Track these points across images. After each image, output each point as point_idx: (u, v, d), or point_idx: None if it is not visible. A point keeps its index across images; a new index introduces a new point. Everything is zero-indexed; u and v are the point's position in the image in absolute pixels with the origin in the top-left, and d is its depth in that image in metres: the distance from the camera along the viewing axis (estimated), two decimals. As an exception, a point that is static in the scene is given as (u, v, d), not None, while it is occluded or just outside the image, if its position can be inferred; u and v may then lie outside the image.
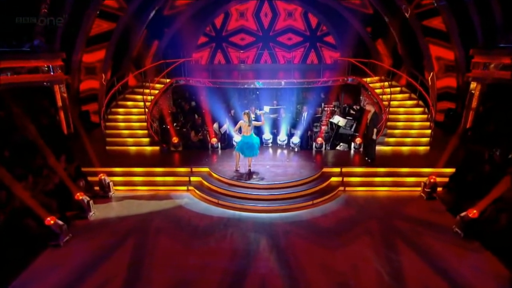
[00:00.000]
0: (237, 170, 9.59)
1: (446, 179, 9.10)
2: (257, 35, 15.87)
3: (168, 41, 14.88)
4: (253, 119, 9.37)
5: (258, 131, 10.77)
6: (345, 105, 14.10)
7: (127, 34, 13.33)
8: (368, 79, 13.36)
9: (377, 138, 10.35)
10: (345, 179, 9.63)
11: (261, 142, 11.21)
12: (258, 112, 9.27)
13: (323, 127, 11.94)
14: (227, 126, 11.98)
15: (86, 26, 12.27)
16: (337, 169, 9.82)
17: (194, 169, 9.83)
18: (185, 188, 9.57)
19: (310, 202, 8.81)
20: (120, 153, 10.94)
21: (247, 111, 9.28)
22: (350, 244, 7.35)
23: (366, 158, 10.20)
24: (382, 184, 9.60)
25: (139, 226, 8.10)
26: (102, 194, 9.43)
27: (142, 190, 9.66)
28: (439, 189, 9.12)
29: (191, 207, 8.85)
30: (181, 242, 7.51)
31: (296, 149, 11.10)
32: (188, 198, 9.21)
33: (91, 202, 8.60)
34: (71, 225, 8.05)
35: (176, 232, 7.91)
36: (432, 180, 8.85)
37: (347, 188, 9.52)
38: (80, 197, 8.42)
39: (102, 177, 9.45)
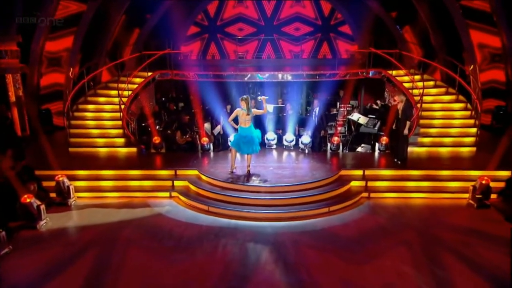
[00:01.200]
0: (232, 172, 9.26)
1: (502, 184, 8.81)
2: (258, 25, 15.73)
3: (151, 29, 14.74)
4: (253, 106, 9.03)
5: (260, 128, 10.40)
6: (368, 105, 13.84)
7: (101, 19, 13.21)
8: (394, 72, 13.18)
9: (411, 134, 10.08)
10: (370, 184, 9.28)
11: (264, 144, 11.11)
12: (259, 98, 8.90)
13: (339, 128, 11.76)
14: (221, 127, 11.79)
15: (49, 7, 12.13)
16: (359, 172, 9.50)
17: (179, 172, 9.55)
18: (167, 194, 9.18)
19: (326, 209, 8.34)
20: (87, 155, 10.72)
21: (245, 96, 8.96)
22: (380, 258, 6.78)
23: (396, 160, 9.87)
24: (418, 190, 9.21)
25: (103, 237, 7.53)
26: (60, 201, 8.87)
27: (112, 197, 9.25)
28: (493, 196, 8.69)
29: (174, 215, 8.39)
30: (158, 255, 6.94)
31: (306, 151, 10.94)
32: (171, 206, 8.79)
33: (42, 208, 7.98)
34: (13, 236, 7.48)
35: (152, 243, 7.32)
36: (484, 182, 8.35)
37: (372, 195, 9.13)
38: (28, 200, 7.80)
39: (60, 179, 8.89)
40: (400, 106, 9.68)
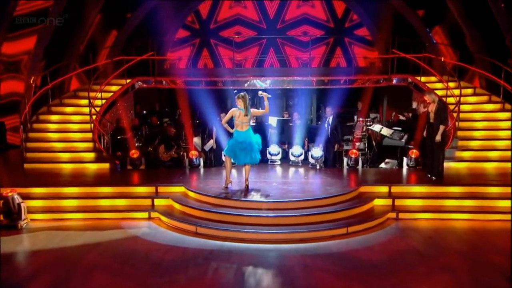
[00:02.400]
0: (227, 188, 8.96)
1: None
2: (259, 28, 15.83)
3: (132, 31, 14.81)
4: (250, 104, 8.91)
5: (261, 139, 10.32)
6: (391, 118, 13.71)
7: (71, 17, 13.26)
8: (423, 78, 13.18)
9: (448, 145, 10.03)
10: (398, 202, 8.97)
11: (265, 159, 11.03)
12: (260, 93, 8.78)
13: (357, 144, 11.80)
14: (213, 142, 11.66)
15: (9, 1, 12.14)
16: (383, 189, 9.23)
17: (161, 189, 9.32)
18: (145, 215, 8.85)
19: (344, 230, 7.97)
20: (46, 172, 10.52)
21: (242, 93, 8.76)
22: (418, 285, 6.32)
23: (429, 175, 9.65)
24: (459, 210, 8.85)
25: (59, 262, 7.06)
26: (7, 223, 8.39)
27: (75, 218, 8.87)
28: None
29: (153, 237, 7.97)
30: (130, 281, 6.44)
31: (318, 167, 10.84)
32: (149, 228, 8.41)
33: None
34: None
35: (123, 268, 6.83)
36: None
37: (401, 215, 8.78)
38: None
39: (10, 195, 8.45)
40: (432, 108, 9.42)
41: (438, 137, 9.28)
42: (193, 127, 12.67)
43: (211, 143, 11.69)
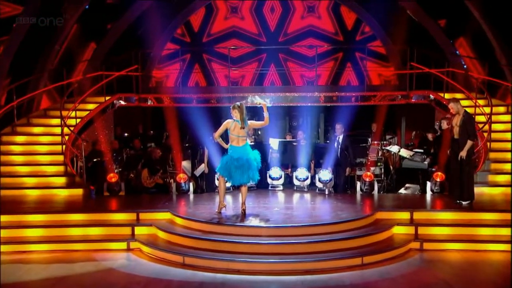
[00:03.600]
0: (220, 213, 8.80)
1: None
2: (258, 42, 15.88)
3: (113, 44, 14.89)
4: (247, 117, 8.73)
5: (262, 160, 10.25)
6: (411, 141, 13.65)
7: (43, 27, 13.34)
8: (447, 95, 13.21)
9: (479, 168, 10.15)
10: (421, 230, 8.82)
11: (265, 183, 11.03)
12: (257, 100, 8.70)
13: (371, 168, 11.66)
14: (205, 166, 11.59)
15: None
16: (404, 215, 9.11)
17: (144, 216, 9.16)
18: (123, 245, 8.68)
19: (358, 261, 7.79)
20: (8, 199, 10.30)
21: (238, 103, 8.67)
22: None
23: (458, 200, 9.49)
24: (496, 239, 8.63)
25: None
26: None
27: (40, 250, 8.68)
28: None
29: (131, 270, 7.78)
30: None
31: (327, 192, 10.78)
32: (128, 260, 8.26)
33: None
34: None
35: None
36: None
37: (426, 245, 8.62)
38: None
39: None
40: (456, 121, 9.28)
41: (463, 153, 9.10)
42: (182, 151, 12.66)
43: (202, 167, 11.59)
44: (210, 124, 13.22)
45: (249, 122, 8.68)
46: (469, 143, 9.12)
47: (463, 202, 9.37)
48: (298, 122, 14.81)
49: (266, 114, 8.68)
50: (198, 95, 13.82)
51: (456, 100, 9.65)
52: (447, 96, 13.12)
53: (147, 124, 15.51)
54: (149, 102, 13.91)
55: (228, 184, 10.83)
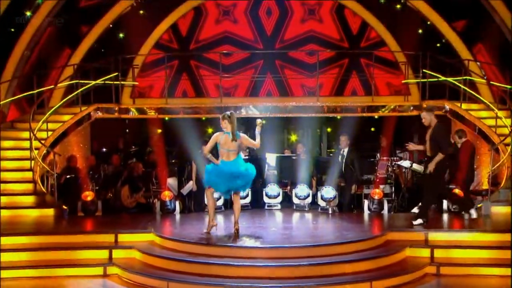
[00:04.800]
0: (209, 233, 8.78)
1: None
2: (253, 48, 15.92)
3: (88, 50, 14.96)
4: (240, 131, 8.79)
5: (257, 176, 10.49)
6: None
7: (9, 32, 13.41)
8: (464, 105, 13.28)
9: (502, 184, 10.31)
10: (438, 253, 8.79)
11: (262, 203, 11.20)
12: (259, 122, 8.94)
13: (381, 186, 11.69)
14: (193, 183, 11.62)
15: None
16: (418, 235, 9.10)
17: (123, 238, 9.15)
18: (99, 270, 8.62)
19: (367, 285, 7.72)
20: None
21: (229, 112, 8.65)
22: None
23: (463, 212, 9.84)
24: None
25: None
26: None
27: (5, 278, 8.48)
28: None
29: None
30: None
31: (330, 211, 10.84)
32: (104, 287, 8.26)
33: None
34: None
35: None
36: None
37: (444, 270, 8.56)
38: None
39: None
40: (429, 135, 9.37)
41: (431, 165, 9.14)
42: (168, 167, 12.72)
43: (190, 185, 11.64)
44: (199, 137, 13.29)
45: (242, 135, 8.63)
46: (439, 155, 9.11)
47: (414, 222, 9.40)
48: (298, 135, 14.80)
49: (258, 137, 8.78)
50: (186, 106, 13.90)
51: (430, 110, 9.68)
52: (464, 106, 13.20)
53: (128, 138, 15.52)
54: (131, 114, 13.92)
55: (219, 203, 10.95)
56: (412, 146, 9.87)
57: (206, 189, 8.90)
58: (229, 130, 8.48)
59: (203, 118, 14.63)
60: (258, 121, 8.87)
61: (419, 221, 9.35)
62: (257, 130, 8.78)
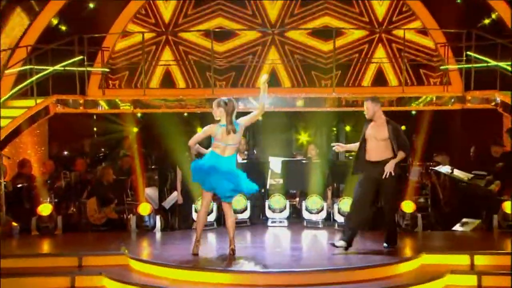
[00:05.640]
0: (197, 254, 8.84)
1: None
2: (253, 24, 16.09)
3: (46, 28, 14.91)
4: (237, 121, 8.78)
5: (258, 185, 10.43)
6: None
7: None
8: None
9: None
10: (488, 281, 8.71)
11: (265, 219, 11.48)
12: (263, 78, 9.00)
13: (413, 198, 11.74)
14: (178, 194, 11.82)
15: None
16: (462, 259, 9.12)
17: (88, 261, 9.19)
18: None
19: None
20: None
21: (225, 99, 8.70)
22: None
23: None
24: None
25: None
26: None
27: None
28: None
29: None
30: None
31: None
32: None
33: None
34: None
35: None
36: None
37: None
38: None
39: None
40: (375, 133, 9.28)
41: (390, 165, 8.97)
42: (147, 174, 12.81)
43: (174, 196, 11.76)
44: (186, 137, 13.31)
45: (240, 121, 8.69)
46: (400, 154, 9.05)
47: (385, 244, 9.50)
48: (309, 135, 14.84)
49: (262, 99, 8.77)
50: (170, 98, 13.92)
51: (375, 100, 9.53)
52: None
53: (96, 139, 15.61)
54: (100, 108, 13.89)
55: (211, 218, 10.99)
56: (339, 147, 9.81)
57: (204, 192, 8.97)
58: (224, 121, 8.54)
59: (188, 114, 14.51)
60: (264, 77, 8.87)
61: (341, 243, 9.24)
62: (262, 90, 8.79)
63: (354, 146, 9.49)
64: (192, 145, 8.77)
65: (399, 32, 15.58)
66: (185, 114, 14.55)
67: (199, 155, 8.97)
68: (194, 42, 16.10)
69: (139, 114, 14.36)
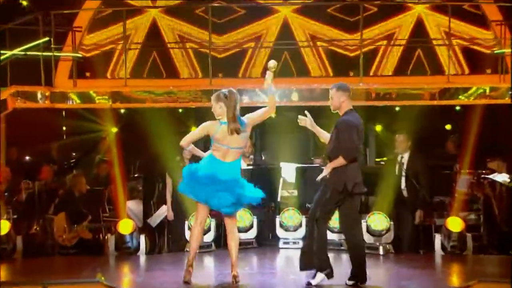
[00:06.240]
0: (188, 283, 8.76)
1: None
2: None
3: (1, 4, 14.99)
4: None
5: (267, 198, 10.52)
6: None
7: None
8: None
9: None
10: None
11: (276, 239, 11.45)
12: (271, 64, 8.87)
13: (461, 214, 11.78)
14: (168, 209, 11.73)
15: None
16: None
17: None
18: None
19: None
20: None
21: (225, 91, 8.63)
22: None
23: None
24: None
25: None
26: None
27: None
28: None
29: None
30: None
31: (383, 251, 10.99)
32: None
33: None
34: None
35: None
36: None
37: None
38: None
39: None
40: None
41: (327, 170, 8.64)
42: (128, 185, 12.88)
43: (162, 211, 11.78)
44: (177, 138, 13.32)
45: (247, 117, 8.63)
46: (339, 160, 8.61)
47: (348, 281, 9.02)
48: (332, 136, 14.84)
49: (271, 94, 8.71)
50: (157, 91, 13.89)
51: (343, 88, 9.38)
52: None
53: (66, 141, 15.63)
54: (70, 102, 13.87)
55: (209, 238, 11.00)
56: (307, 121, 9.22)
57: (199, 205, 8.85)
58: (225, 118, 8.47)
59: (181, 110, 14.61)
60: (271, 63, 8.80)
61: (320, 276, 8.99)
62: (268, 80, 8.69)
63: (325, 136, 9.11)
64: (185, 146, 8.70)
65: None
66: (180, 110, 14.60)
67: (194, 159, 8.97)
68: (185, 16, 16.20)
69: (122, 111, 14.41)
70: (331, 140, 8.74)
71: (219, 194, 8.61)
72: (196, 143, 9.01)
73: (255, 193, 8.96)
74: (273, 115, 9.02)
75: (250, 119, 8.73)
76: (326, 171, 8.64)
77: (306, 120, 9.05)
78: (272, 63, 8.69)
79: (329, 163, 8.65)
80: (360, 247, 9.02)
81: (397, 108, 14.28)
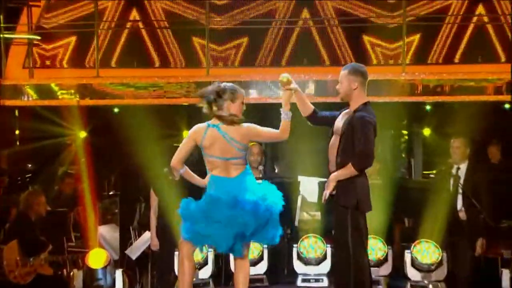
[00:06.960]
0: None
1: None
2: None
3: None
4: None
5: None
6: None
7: None
8: None
9: None
10: None
11: (294, 274, 11.35)
12: (283, 76, 8.80)
13: None
14: (151, 236, 11.73)
15: None
16: None
17: None
18: None
19: None
20: None
21: (221, 84, 8.56)
22: None
23: None
24: None
25: None
26: None
27: None
28: None
29: None
30: None
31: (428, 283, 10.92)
32: None
33: None
34: None
35: None
36: None
37: None
38: None
39: None
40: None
41: (329, 183, 8.63)
42: (101, 205, 13.00)
43: (145, 239, 11.84)
44: (164, 144, 13.38)
45: (247, 126, 8.58)
46: (350, 169, 8.64)
47: None
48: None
49: (286, 112, 8.67)
50: (139, 83, 14.03)
51: (357, 71, 9.36)
52: None
53: (20, 148, 15.80)
54: (26, 98, 14.01)
55: (205, 274, 10.99)
56: (292, 86, 9.29)
57: (181, 243, 8.72)
58: (217, 120, 8.36)
59: (170, 108, 14.52)
60: (283, 77, 8.79)
61: None
62: (284, 99, 8.57)
63: (308, 108, 9.18)
64: (176, 167, 8.58)
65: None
66: (169, 108, 14.42)
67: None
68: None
69: (92, 109, 14.32)
70: (340, 141, 8.69)
71: (243, 220, 8.30)
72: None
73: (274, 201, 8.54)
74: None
75: (249, 130, 8.54)
76: (330, 185, 8.55)
77: (292, 85, 8.62)
78: (285, 77, 8.64)
79: (333, 173, 8.58)
80: (365, 270, 8.84)
81: (453, 106, 14.22)
